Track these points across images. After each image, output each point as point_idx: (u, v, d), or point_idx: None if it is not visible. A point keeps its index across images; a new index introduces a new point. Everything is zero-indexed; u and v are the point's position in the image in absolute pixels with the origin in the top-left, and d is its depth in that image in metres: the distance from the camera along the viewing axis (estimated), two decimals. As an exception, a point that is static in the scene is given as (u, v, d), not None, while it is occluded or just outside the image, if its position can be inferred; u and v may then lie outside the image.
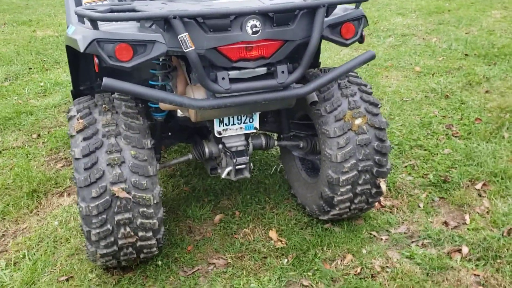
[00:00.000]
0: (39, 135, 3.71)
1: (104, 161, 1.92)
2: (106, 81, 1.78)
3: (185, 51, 1.73)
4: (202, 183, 2.96)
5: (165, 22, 1.75)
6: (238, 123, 2.20)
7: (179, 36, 1.71)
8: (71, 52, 2.31)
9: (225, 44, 1.79)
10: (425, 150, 3.23)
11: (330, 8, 1.92)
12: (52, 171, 3.19)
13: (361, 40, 2.13)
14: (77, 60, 2.43)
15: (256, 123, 2.22)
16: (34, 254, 2.43)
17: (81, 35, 1.84)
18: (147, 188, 1.95)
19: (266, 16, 1.82)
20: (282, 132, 2.59)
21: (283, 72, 1.92)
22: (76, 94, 2.51)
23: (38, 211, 2.81)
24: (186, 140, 2.58)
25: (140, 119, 2.05)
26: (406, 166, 3.06)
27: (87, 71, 2.52)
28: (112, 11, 1.93)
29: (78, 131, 1.96)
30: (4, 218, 2.74)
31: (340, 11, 2.07)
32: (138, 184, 1.93)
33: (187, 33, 1.71)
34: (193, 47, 1.73)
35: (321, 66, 2.75)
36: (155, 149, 2.34)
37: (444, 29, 6.11)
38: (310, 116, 2.37)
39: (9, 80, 4.89)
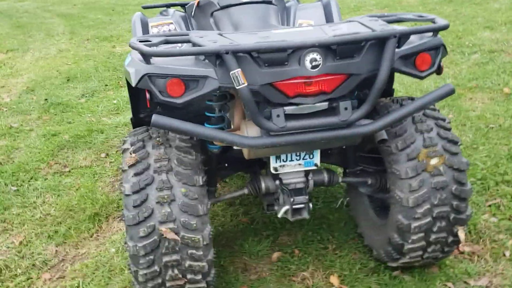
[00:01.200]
0: (107, 154, 3.75)
1: (154, 199, 1.83)
2: (155, 118, 1.69)
3: (237, 88, 1.60)
4: (261, 215, 2.81)
5: (217, 57, 1.63)
6: (296, 159, 2.03)
7: (231, 73, 1.58)
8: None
9: (281, 79, 1.64)
10: (513, 186, 2.87)
11: (402, 39, 1.70)
12: (115, 193, 3.19)
13: (439, 71, 1.88)
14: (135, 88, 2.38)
15: (317, 160, 2.04)
16: (89, 283, 2.40)
17: (134, 69, 1.77)
18: (197, 228, 1.84)
19: (328, 48, 1.64)
20: (347, 166, 2.39)
21: (346, 108, 1.73)
22: (136, 122, 2.47)
23: (98, 236, 2.80)
24: (244, 170, 2.45)
25: (193, 154, 1.94)
26: (490, 206, 2.72)
27: (144, 98, 2.47)
28: (167, 42, 1.84)
29: (130, 166, 1.89)
30: (65, 242, 2.75)
31: (415, 38, 1.85)
32: (187, 224, 1.82)
33: (239, 69, 1.58)
34: (246, 84, 1.59)
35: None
36: (210, 182, 2.23)
37: (538, 44, 5.56)
38: (379, 151, 2.15)
39: (86, 96, 5.04)
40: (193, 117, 2.47)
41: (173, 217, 1.82)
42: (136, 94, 2.41)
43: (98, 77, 5.62)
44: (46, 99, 4.96)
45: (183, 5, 3.36)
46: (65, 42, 7.68)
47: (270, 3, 2.73)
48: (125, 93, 5.06)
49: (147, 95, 1.76)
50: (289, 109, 1.73)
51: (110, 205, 3.04)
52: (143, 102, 2.49)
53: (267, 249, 2.53)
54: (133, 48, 1.72)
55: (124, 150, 1.99)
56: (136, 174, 1.86)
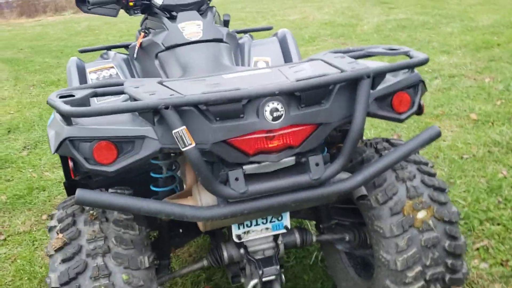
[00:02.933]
0: (49, 215, 3.31)
1: (88, 291, 1.46)
2: (80, 195, 1.34)
3: (183, 149, 1.27)
4: (227, 280, 2.45)
5: (154, 113, 1.31)
6: (263, 223, 1.71)
7: (173, 132, 1.26)
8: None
9: (238, 135, 1.33)
10: (499, 224, 2.63)
11: (377, 78, 1.43)
12: (58, 263, 2.76)
13: (419, 111, 1.62)
14: None
15: (286, 221, 1.73)
16: None
17: (53, 131, 1.43)
18: (145, 324, 1.47)
19: (291, 95, 1.35)
20: (321, 221, 2.08)
21: (317, 164, 1.43)
22: (70, 186, 2.09)
23: (35, 320, 2.37)
24: (204, 235, 2.11)
25: (136, 228, 1.59)
26: (478, 249, 2.47)
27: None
28: (96, 94, 1.51)
29: (57, 250, 1.52)
30: (-5, 332, 2.31)
31: (388, 75, 1.58)
32: (132, 321, 1.46)
33: (184, 127, 1.26)
34: (193, 144, 1.27)
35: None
36: (161, 254, 1.88)
37: (496, 66, 5.51)
38: (356, 205, 1.86)
39: (28, 149, 4.60)
40: (136, 177, 2.12)
41: (113, 313, 1.45)
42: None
43: (42, 126, 5.18)
44: (-18, 155, 4.48)
45: (125, 46, 3.05)
46: (8, 89, 7.19)
47: (221, 41, 2.44)
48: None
49: (70, 164, 1.42)
50: (249, 168, 1.42)
51: (50, 280, 2.61)
52: (76, 163, 2.12)
53: (235, 323, 2.17)
54: (51, 106, 1.38)
55: (51, 229, 1.62)
56: (64, 261, 1.50)
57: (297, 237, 1.89)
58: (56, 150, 1.38)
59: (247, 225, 1.69)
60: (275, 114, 1.32)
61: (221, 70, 2.24)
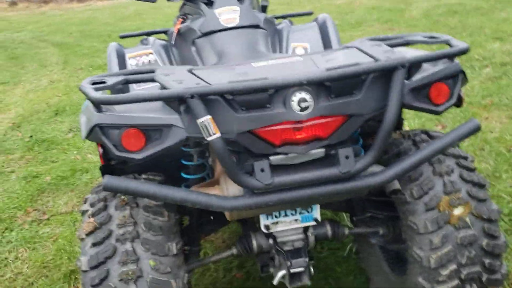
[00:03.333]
0: (84, 199, 3.41)
1: (117, 276, 1.48)
2: (107, 181, 1.35)
3: (208, 139, 1.26)
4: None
5: (180, 102, 1.30)
6: (292, 215, 1.68)
7: (198, 121, 1.24)
8: None
9: (264, 126, 1.30)
10: (547, 222, 2.50)
11: (413, 68, 1.36)
12: (96, 244, 2.85)
13: (459, 103, 1.54)
14: None
15: (316, 214, 1.69)
16: None
17: (85, 117, 1.45)
18: (171, 311, 1.49)
19: (320, 85, 1.30)
20: (354, 214, 2.03)
21: (347, 157, 1.38)
22: (106, 171, 2.12)
23: (73, 299, 2.46)
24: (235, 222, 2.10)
25: (165, 214, 1.60)
26: (522, 248, 2.35)
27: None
28: (127, 82, 1.52)
29: (88, 234, 1.55)
30: (36, 307, 2.41)
31: (427, 65, 1.51)
32: (158, 307, 1.48)
33: (209, 116, 1.24)
34: (218, 134, 1.25)
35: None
36: (192, 241, 1.89)
37: (553, 54, 5.21)
38: (391, 199, 1.80)
39: (73, 131, 4.74)
40: (169, 164, 2.14)
41: (140, 298, 1.47)
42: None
43: (87, 110, 5.32)
44: (31, 136, 4.66)
45: (165, 32, 3.06)
46: (57, 73, 7.43)
47: (258, 27, 2.40)
48: (114, 126, 4.75)
49: (100, 150, 1.44)
50: (276, 159, 1.39)
51: (89, 260, 2.69)
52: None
53: (265, 312, 2.17)
54: (82, 92, 1.40)
55: (83, 213, 1.66)
56: (94, 245, 1.52)
57: (328, 229, 1.85)
58: (87, 136, 1.39)
59: (275, 216, 1.67)
60: (302, 105, 1.28)
61: (256, 57, 2.21)
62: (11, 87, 6.83)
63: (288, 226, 1.69)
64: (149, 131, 1.35)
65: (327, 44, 2.69)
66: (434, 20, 7.86)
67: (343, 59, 1.41)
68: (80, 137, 4.48)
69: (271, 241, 1.77)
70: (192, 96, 1.23)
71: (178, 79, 1.36)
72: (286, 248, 1.75)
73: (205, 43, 2.38)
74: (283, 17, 3.05)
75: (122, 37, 3.01)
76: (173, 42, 2.60)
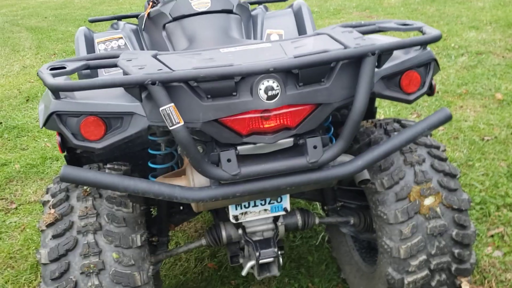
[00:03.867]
0: (46, 189, 3.32)
1: (78, 268, 1.43)
2: (65, 171, 1.30)
3: (170, 128, 1.21)
4: (230, 258, 2.41)
5: (141, 89, 1.24)
6: (261, 204, 1.64)
7: (161, 109, 1.19)
8: None
9: (230, 114, 1.25)
10: (517, 211, 2.52)
11: (383, 56, 1.33)
12: (66, 234, 2.78)
13: (430, 92, 1.52)
14: None
15: (286, 203, 1.66)
16: None
17: (43, 105, 1.38)
18: (134, 305, 1.44)
19: (288, 73, 1.26)
20: (325, 203, 2.00)
21: (315, 147, 1.35)
22: (71, 159, 2.05)
23: (40, 290, 2.39)
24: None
25: (129, 205, 1.55)
26: (492, 236, 2.36)
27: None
28: (88, 67, 1.45)
29: (48, 225, 1.49)
30: (1, 299, 2.34)
31: (398, 53, 1.48)
32: (120, 300, 1.43)
33: (172, 104, 1.19)
34: (182, 123, 1.20)
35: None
36: (161, 231, 1.84)
37: (528, 44, 5.26)
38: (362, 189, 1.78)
39: (44, 118, 4.61)
40: (136, 153, 2.08)
41: (102, 291, 1.42)
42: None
43: (60, 96, 5.19)
44: (0, 123, 4.52)
45: (135, 16, 2.97)
46: (30, 58, 7.23)
47: (231, 12, 2.34)
48: (87, 112, 4.64)
49: (58, 139, 1.38)
50: (243, 149, 1.35)
51: (57, 250, 2.63)
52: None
53: (235, 303, 2.14)
54: (40, 77, 1.33)
55: (44, 203, 1.60)
56: (54, 237, 1.47)
57: (298, 219, 1.82)
58: (44, 124, 1.33)
59: (244, 206, 1.63)
60: (270, 93, 1.24)
61: (229, 43, 2.15)
62: (-18, 72, 6.62)
63: (257, 216, 1.66)
64: (110, 119, 1.30)
65: (302, 31, 2.65)
66: (412, 8, 7.87)
67: (312, 46, 1.37)
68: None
69: (240, 231, 1.73)
70: (154, 83, 1.18)
71: (140, 65, 1.30)
72: (256, 238, 1.72)
73: (176, 28, 2.32)
74: (258, 2, 2.99)
75: (92, 21, 2.91)
76: (143, 27, 2.52)
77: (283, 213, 1.67)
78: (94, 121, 1.28)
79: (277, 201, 1.65)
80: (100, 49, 2.62)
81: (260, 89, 1.23)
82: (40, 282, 1.48)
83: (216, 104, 1.24)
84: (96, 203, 1.53)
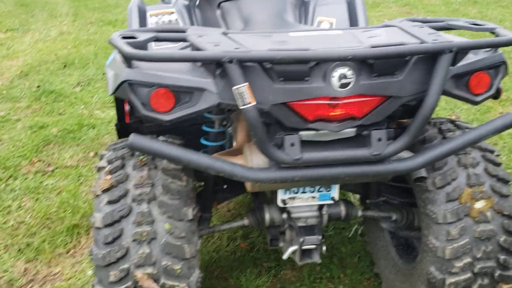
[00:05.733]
0: (96, 153, 3.38)
1: (130, 235, 1.46)
2: (133, 140, 1.32)
3: (241, 107, 1.22)
4: (263, 240, 2.44)
5: (217, 66, 1.25)
6: (310, 191, 1.66)
7: (234, 88, 1.20)
8: None
9: (299, 99, 1.26)
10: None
11: (459, 55, 1.31)
12: (100, 201, 2.83)
13: (496, 95, 1.50)
14: None
15: (334, 193, 1.67)
16: (56, 314, 2.05)
17: (113, 72, 1.40)
18: (182, 275, 1.48)
19: (363, 62, 1.25)
20: (368, 196, 2.01)
21: (379, 139, 1.35)
22: (121, 129, 2.08)
23: (75, 252, 2.45)
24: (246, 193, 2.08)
25: (183, 179, 1.57)
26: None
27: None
28: (157, 39, 1.47)
29: (104, 191, 1.53)
30: (37, 258, 2.40)
31: (470, 53, 1.46)
32: (169, 269, 1.46)
33: (246, 84, 1.20)
34: (254, 103, 1.21)
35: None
36: (204, 207, 1.87)
37: None
38: (411, 186, 1.77)
39: (81, 85, 4.67)
40: (189, 127, 2.10)
41: (152, 259, 1.45)
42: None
43: (96, 64, 5.24)
44: (38, 86, 4.59)
45: (192, -8, 2.98)
46: (67, 24, 7.29)
47: None
48: (123, 84, 4.68)
49: (126, 107, 1.39)
50: (306, 134, 1.35)
51: (92, 216, 2.68)
52: (130, 106, 2.11)
53: (267, 285, 2.16)
54: (113, 45, 1.35)
55: (99, 169, 1.63)
56: (110, 202, 1.50)
57: (342, 209, 1.83)
58: (114, 92, 1.35)
59: (294, 191, 1.64)
60: (343, 81, 1.24)
61: (284, 27, 2.15)
62: (20, 35, 6.70)
63: (304, 203, 1.67)
64: (180, 93, 1.31)
65: (353, 22, 2.63)
66: (453, 8, 7.72)
67: (387, 37, 1.36)
68: (88, 92, 4.43)
69: (285, 215, 1.75)
70: (231, 61, 1.19)
71: (214, 42, 1.31)
72: (300, 224, 1.73)
73: (232, 7, 2.31)
74: (310, -11, 2.97)
75: (145, -7, 2.92)
76: (197, 3, 2.53)
77: (331, 202, 1.68)
78: (165, 94, 1.30)
79: (326, 190, 1.66)
80: (151, 22, 2.63)
81: (333, 76, 1.23)
82: (92, 245, 1.51)
83: (288, 88, 1.24)
84: (151, 173, 1.55)
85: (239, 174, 1.34)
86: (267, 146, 1.29)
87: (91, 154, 3.37)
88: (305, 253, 1.71)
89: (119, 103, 2.04)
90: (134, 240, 1.46)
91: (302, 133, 1.34)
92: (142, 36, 1.41)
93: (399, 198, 1.97)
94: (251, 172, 1.35)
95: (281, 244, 1.84)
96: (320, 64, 1.24)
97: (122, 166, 1.58)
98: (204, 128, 1.76)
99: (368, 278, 2.19)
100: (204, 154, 1.39)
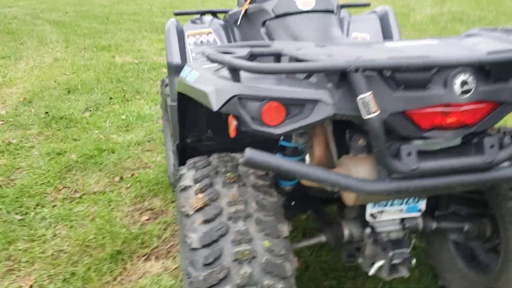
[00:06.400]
0: (121, 177, 3.31)
1: (230, 255, 1.41)
2: (251, 154, 1.28)
3: (366, 117, 1.20)
4: (316, 258, 2.40)
5: (341, 76, 1.24)
6: (398, 204, 1.64)
7: (360, 97, 1.19)
8: (183, 99, 1.87)
9: (420, 106, 1.25)
10: None
11: None
12: (137, 226, 2.75)
13: None
14: (185, 106, 1.97)
15: (422, 204, 1.66)
16: None
17: (213, 87, 1.37)
18: (283, 295, 1.43)
19: (480, 68, 1.26)
20: (437, 208, 1.99)
21: (492, 146, 1.34)
22: (181, 148, 2.05)
23: (122, 279, 2.36)
24: (312, 209, 2.04)
25: (274, 194, 1.54)
26: None
27: (194, 118, 2.06)
28: (252, 55, 1.45)
29: (197, 210, 1.48)
30: (85, 287, 2.30)
31: None
32: (271, 290, 1.41)
33: (371, 92, 1.19)
34: (378, 112, 1.20)
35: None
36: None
37: None
38: (484, 193, 1.78)
39: (90, 110, 4.59)
40: (248, 144, 2.07)
41: (254, 279, 1.40)
42: (184, 114, 2.00)
43: (101, 89, 5.17)
44: (46, 112, 4.49)
45: (222, 12, 2.98)
46: (60, 51, 7.20)
47: (332, 12, 2.36)
48: (133, 107, 4.63)
49: (234, 123, 1.34)
50: (418, 144, 1.34)
51: (133, 241, 2.60)
52: (190, 123, 2.07)
53: (333, 303, 2.12)
54: (217, 61, 1.32)
55: (185, 188, 1.58)
56: (206, 221, 1.45)
57: (419, 222, 1.81)
58: (221, 107, 1.32)
59: (383, 205, 1.62)
60: (465, 87, 1.24)
61: (332, 42, 2.16)
62: (13, 62, 6.58)
63: (391, 216, 1.65)
64: (290, 106, 1.29)
65: (387, 36, 2.67)
66: (442, 26, 7.96)
67: (488, 45, 1.37)
68: (98, 116, 4.35)
69: (368, 230, 1.72)
70: (356, 70, 1.17)
71: (325, 53, 1.30)
72: (384, 238, 1.70)
73: (278, 25, 2.32)
74: (342, 6, 3.01)
75: (177, 14, 2.92)
76: (239, 23, 2.53)
77: (418, 214, 1.67)
78: (277, 107, 1.27)
79: (415, 202, 1.64)
80: (190, 42, 2.63)
81: (455, 83, 1.23)
82: (187, 264, 1.45)
83: (408, 96, 1.24)
84: (241, 190, 1.52)
85: (355, 187, 1.32)
86: (387, 157, 1.27)
87: (116, 179, 3.29)
88: (393, 267, 1.69)
89: (182, 123, 2.00)
90: (235, 260, 1.41)
91: (414, 142, 1.33)
92: (239, 52, 1.39)
93: (468, 208, 1.97)
94: (366, 184, 1.32)
95: (360, 260, 1.81)
96: (440, 71, 1.24)
97: (211, 184, 1.54)
98: (282, 143, 1.73)
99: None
100: (319, 167, 1.36)
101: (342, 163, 1.49)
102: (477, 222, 1.92)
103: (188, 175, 1.62)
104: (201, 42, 2.65)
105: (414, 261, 1.69)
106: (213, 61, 1.35)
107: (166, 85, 2.94)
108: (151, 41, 7.79)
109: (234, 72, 1.29)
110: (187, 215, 1.50)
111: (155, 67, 6.12)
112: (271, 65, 1.20)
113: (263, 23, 2.38)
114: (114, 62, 6.43)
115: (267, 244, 1.44)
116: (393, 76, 1.23)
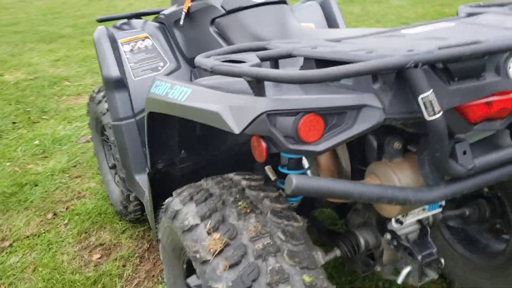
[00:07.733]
0: (55, 213, 2.87)
1: (269, 301, 1.18)
2: (298, 181, 1.05)
3: (429, 119, 1.02)
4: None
5: (397, 75, 1.04)
6: (420, 203, 1.50)
7: (422, 96, 1.00)
8: (152, 119, 1.58)
9: (476, 98, 1.10)
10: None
11: None
12: (90, 268, 2.38)
13: None
14: (154, 128, 1.67)
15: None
16: None
17: (228, 106, 1.11)
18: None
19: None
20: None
21: (535, 134, 1.24)
22: (152, 176, 1.74)
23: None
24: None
25: (298, 218, 1.33)
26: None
27: (164, 140, 1.77)
28: (261, 59, 1.21)
29: (217, 254, 1.22)
30: None
31: None
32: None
33: (432, 90, 1.01)
34: (442, 111, 1.03)
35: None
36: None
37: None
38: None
39: (-7, 140, 3.99)
40: (225, 162, 1.85)
41: (302, 326, 1.19)
42: (154, 136, 1.70)
43: (1, 114, 4.53)
44: None
45: (151, 14, 2.67)
46: None
47: (285, 2, 2.19)
48: (44, 129, 4.10)
49: (263, 145, 1.09)
50: (466, 141, 1.20)
51: (93, 288, 2.24)
52: (160, 147, 1.77)
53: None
54: (231, 73, 1.07)
55: (191, 228, 1.31)
56: (232, 266, 1.20)
57: (430, 217, 1.70)
58: (245, 129, 1.07)
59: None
60: (518, 72, 1.11)
61: (289, 36, 2.00)
62: None
63: (415, 217, 1.52)
64: (326, 116, 1.08)
65: (332, 24, 2.55)
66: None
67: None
68: (5, 146, 3.80)
69: (388, 236, 1.57)
70: (416, 65, 0.99)
71: (358, 49, 1.10)
72: (404, 242, 1.57)
73: (231, 22, 2.10)
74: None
75: (100, 20, 2.55)
76: (181, 23, 2.25)
77: (439, 210, 1.55)
78: (315, 119, 1.05)
79: (436, 199, 1.52)
80: (125, 50, 2.31)
81: (509, 67, 1.10)
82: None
83: (464, 88, 1.08)
84: (261, 220, 1.28)
85: (414, 198, 1.14)
86: (448, 160, 1.11)
87: (49, 215, 2.85)
88: (423, 271, 1.55)
89: (152, 147, 1.70)
90: (275, 307, 1.18)
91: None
92: (251, 58, 1.15)
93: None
94: (423, 194, 1.15)
95: (378, 269, 1.66)
96: (491, 57, 1.10)
97: (223, 219, 1.29)
98: (284, 154, 1.51)
99: (434, 281, 2.09)
100: (371, 184, 1.16)
101: (376, 172, 1.31)
102: (475, 205, 1.86)
103: (187, 211, 1.35)
104: (138, 48, 2.34)
105: (443, 261, 1.57)
106: (222, 73, 1.09)
107: (99, 102, 2.57)
108: (41, 53, 7.07)
109: (259, 84, 1.05)
110: (205, 262, 1.23)
111: (55, 81, 5.52)
112: (316, 72, 0.97)
113: (212, 21, 2.14)
114: (4, 80, 5.71)
115: (308, 280, 1.23)
116: (447, 69, 1.07)
